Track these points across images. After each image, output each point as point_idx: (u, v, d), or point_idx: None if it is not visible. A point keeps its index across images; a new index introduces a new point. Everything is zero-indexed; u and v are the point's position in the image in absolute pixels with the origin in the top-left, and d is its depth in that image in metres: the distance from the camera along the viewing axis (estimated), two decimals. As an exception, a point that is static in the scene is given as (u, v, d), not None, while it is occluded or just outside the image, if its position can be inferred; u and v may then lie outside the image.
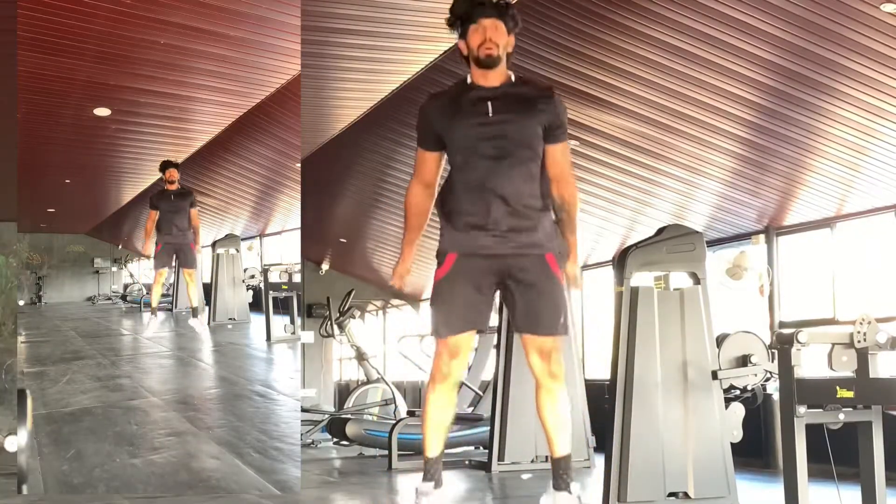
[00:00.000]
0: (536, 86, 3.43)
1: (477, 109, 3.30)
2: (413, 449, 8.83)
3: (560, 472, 3.62)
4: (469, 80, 3.34)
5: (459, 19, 3.32)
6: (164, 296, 8.45)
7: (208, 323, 8.24)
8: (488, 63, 3.27)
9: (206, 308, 8.31)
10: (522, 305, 3.48)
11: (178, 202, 7.79)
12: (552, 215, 3.51)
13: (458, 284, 3.45)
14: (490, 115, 3.30)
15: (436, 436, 3.54)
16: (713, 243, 9.08)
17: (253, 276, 9.21)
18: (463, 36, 3.33)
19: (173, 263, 8.29)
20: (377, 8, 6.80)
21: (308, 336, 9.24)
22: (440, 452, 3.54)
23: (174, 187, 7.74)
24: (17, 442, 4.35)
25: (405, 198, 3.65)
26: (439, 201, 3.54)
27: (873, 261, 8.43)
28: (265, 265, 9.42)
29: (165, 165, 7.89)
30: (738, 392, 5.89)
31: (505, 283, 3.49)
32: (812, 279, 9.04)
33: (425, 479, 3.52)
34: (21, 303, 9.76)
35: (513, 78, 3.36)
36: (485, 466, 7.61)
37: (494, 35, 3.27)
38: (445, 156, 3.46)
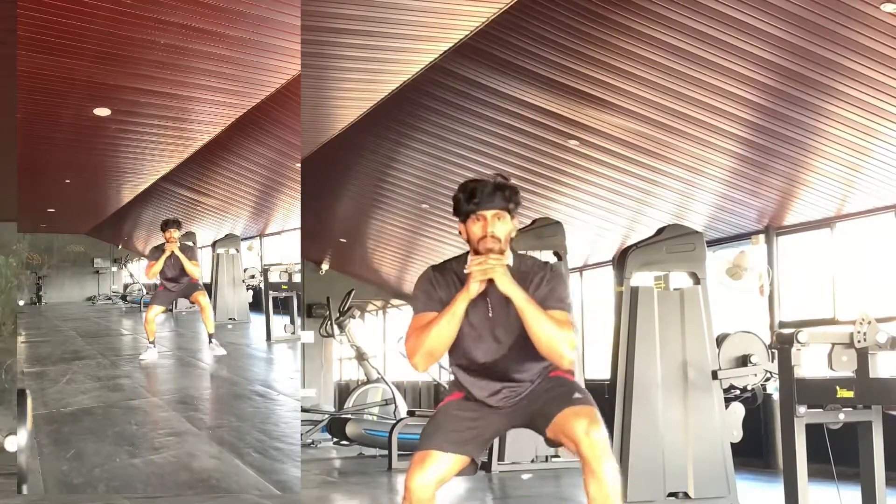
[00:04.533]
0: (534, 266, 3.23)
1: (478, 307, 3.16)
2: (413, 449, 8.83)
3: None
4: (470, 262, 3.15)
5: (461, 211, 3.15)
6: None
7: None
8: None
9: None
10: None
11: (177, 262, 7.94)
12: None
13: (458, 411, 3.28)
14: (490, 314, 3.18)
15: None
16: (713, 243, 9.08)
17: (253, 276, 9.21)
18: (463, 220, 3.17)
19: (172, 305, 8.44)
20: (377, 8, 6.80)
21: (308, 336, 9.23)
22: None
23: (174, 248, 7.95)
24: (17, 442, 4.35)
25: (412, 343, 3.16)
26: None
27: (873, 261, 8.43)
28: (265, 265, 9.42)
29: (165, 225, 7.98)
30: (738, 392, 5.90)
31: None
32: (812, 279, 9.04)
33: None
34: (21, 303, 9.75)
35: (511, 262, 3.16)
36: (485, 466, 7.62)
37: (496, 228, 3.11)
38: None
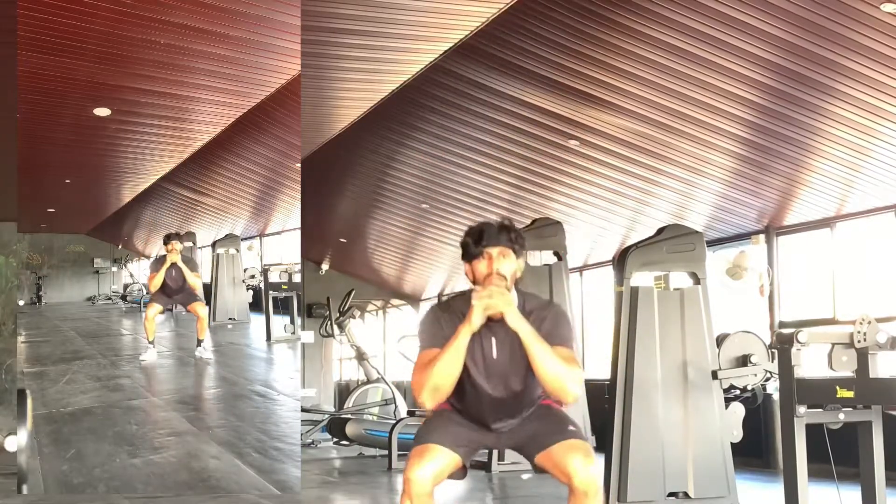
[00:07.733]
0: (538, 305, 3.26)
1: (481, 347, 3.20)
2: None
3: None
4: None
5: (468, 252, 3.21)
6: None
7: (209, 323, 8.33)
8: None
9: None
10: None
11: (178, 273, 8.02)
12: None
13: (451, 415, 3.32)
14: (495, 356, 3.21)
15: None
16: (713, 243, 9.08)
17: (253, 276, 9.21)
18: (470, 261, 3.22)
19: (171, 306, 8.47)
20: (377, 8, 6.80)
21: (308, 336, 9.24)
22: None
23: (175, 259, 7.98)
24: (17, 442, 4.36)
25: (417, 379, 3.17)
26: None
27: (873, 261, 8.43)
28: (265, 265, 9.42)
29: (168, 238, 8.06)
30: (738, 392, 5.90)
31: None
32: (812, 279, 9.04)
33: None
34: (21, 303, 9.75)
35: (516, 301, 3.16)
36: (485, 466, 7.61)
37: (501, 265, 3.15)
38: None
